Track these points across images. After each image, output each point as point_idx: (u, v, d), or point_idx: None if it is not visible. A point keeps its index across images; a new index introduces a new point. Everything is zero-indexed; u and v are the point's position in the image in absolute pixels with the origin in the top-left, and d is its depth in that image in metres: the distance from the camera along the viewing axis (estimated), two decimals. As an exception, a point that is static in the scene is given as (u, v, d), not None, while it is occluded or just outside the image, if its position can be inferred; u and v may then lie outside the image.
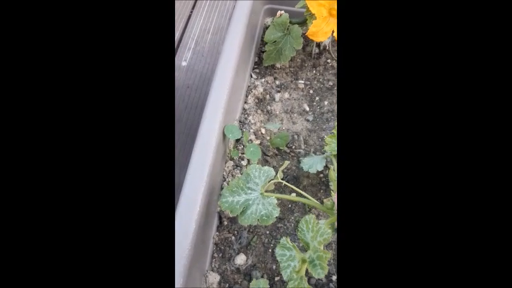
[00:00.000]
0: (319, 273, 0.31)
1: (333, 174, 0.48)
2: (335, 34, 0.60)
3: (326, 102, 0.71)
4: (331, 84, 0.74)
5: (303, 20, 0.64)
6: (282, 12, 0.66)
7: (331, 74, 0.76)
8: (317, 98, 0.72)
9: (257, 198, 0.41)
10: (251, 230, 0.54)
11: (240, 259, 0.51)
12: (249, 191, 0.43)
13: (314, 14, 0.59)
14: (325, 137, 0.52)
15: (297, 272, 0.31)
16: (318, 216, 0.56)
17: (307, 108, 0.70)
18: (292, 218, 0.56)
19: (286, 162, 0.53)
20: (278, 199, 0.44)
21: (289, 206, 0.58)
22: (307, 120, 0.68)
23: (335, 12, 0.60)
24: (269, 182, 0.52)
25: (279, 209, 0.40)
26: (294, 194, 0.57)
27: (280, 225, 0.55)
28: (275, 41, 0.67)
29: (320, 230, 0.33)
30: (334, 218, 0.38)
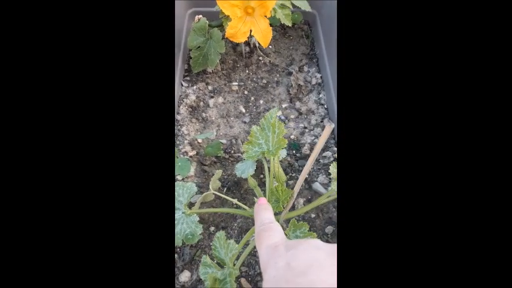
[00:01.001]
0: (228, 291, 0.31)
1: (252, 181, 0.48)
2: (254, 33, 0.60)
3: (261, 101, 0.71)
4: (265, 82, 0.74)
5: (220, 22, 0.63)
6: (200, 16, 0.64)
7: (264, 72, 0.75)
8: (252, 98, 0.71)
9: (181, 217, 0.40)
10: (194, 245, 0.53)
11: (185, 276, 0.50)
12: (175, 211, 0.41)
13: (228, 16, 0.58)
14: (242, 144, 0.51)
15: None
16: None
17: (244, 110, 0.69)
18: (235, 224, 0.56)
19: (219, 172, 0.52)
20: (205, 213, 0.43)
21: (232, 213, 0.57)
22: (244, 122, 0.68)
23: (251, 11, 0.60)
24: (202, 194, 0.51)
25: (201, 225, 0.39)
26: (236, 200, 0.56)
27: (225, 234, 0.55)
28: (199, 47, 0.66)
29: (229, 246, 0.33)
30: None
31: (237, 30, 0.59)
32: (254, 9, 0.59)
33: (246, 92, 0.72)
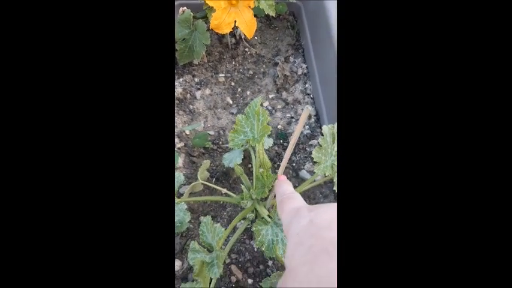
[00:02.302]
0: (215, 273, 0.32)
1: (238, 168, 0.49)
2: (238, 23, 0.60)
3: (248, 92, 0.71)
4: (252, 73, 0.74)
5: (205, 14, 0.63)
6: (185, 8, 0.64)
7: (251, 63, 0.76)
8: (239, 90, 0.72)
9: (169, 205, 0.41)
10: (184, 235, 0.54)
11: (176, 265, 0.51)
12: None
13: (213, 7, 0.58)
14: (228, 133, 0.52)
15: (197, 275, 0.32)
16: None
17: (231, 102, 0.70)
18: (225, 213, 0.57)
19: (206, 162, 0.53)
20: (194, 202, 0.44)
21: (221, 202, 0.58)
22: (232, 114, 0.68)
23: (235, 1, 0.60)
24: (192, 184, 0.52)
25: (189, 213, 0.40)
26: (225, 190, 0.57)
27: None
28: (184, 39, 0.66)
29: (216, 230, 0.34)
30: (245, 211, 0.39)
31: (221, 21, 0.60)
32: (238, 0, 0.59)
33: (232, 84, 0.72)
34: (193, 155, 0.62)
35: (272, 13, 0.60)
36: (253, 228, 0.37)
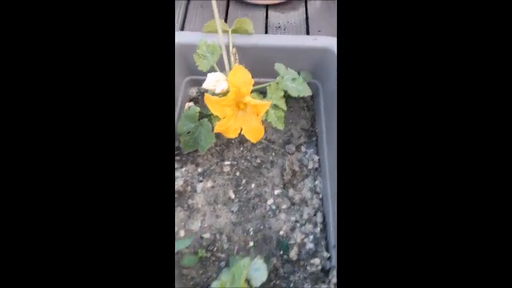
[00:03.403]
0: None
1: None
2: (244, 131, 0.56)
3: (253, 185, 0.67)
4: (259, 161, 0.70)
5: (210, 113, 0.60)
6: (191, 104, 0.61)
7: (260, 150, 0.71)
8: (244, 181, 0.68)
9: None
10: None
11: None
12: None
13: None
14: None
15: None
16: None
17: (233, 196, 0.66)
18: None
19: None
20: None
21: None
22: (232, 212, 0.64)
23: (244, 106, 0.56)
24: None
25: None
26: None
27: None
28: (189, 132, 0.63)
29: None
30: None
31: (227, 127, 0.56)
32: (246, 104, 0.55)
33: (237, 173, 0.68)
34: (184, 267, 0.58)
35: (280, 127, 0.56)
36: None
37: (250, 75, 0.53)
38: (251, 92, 0.55)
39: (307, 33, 0.91)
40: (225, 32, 0.66)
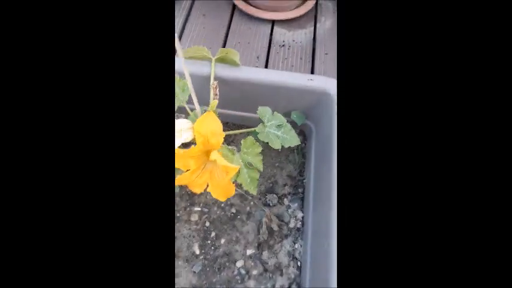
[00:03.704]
0: None
1: None
2: (210, 188, 0.47)
3: (223, 240, 0.58)
4: (234, 211, 0.61)
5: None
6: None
7: (237, 197, 0.62)
8: (213, 234, 0.59)
9: None
10: None
11: None
12: None
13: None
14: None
15: None
16: None
17: (198, 251, 0.57)
18: None
19: None
20: None
21: None
22: (194, 272, 0.55)
23: (215, 158, 0.47)
24: None
25: None
26: None
27: None
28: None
29: None
30: None
31: (190, 181, 0.47)
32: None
33: (207, 224, 0.59)
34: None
35: (253, 191, 0.46)
36: None
37: (220, 125, 0.44)
38: (223, 140, 0.46)
39: (313, 55, 0.82)
40: (207, 59, 0.57)
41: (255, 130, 0.50)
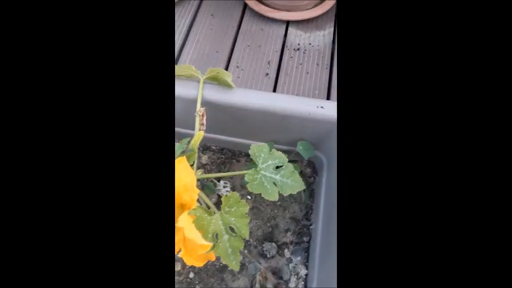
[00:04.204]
0: None
1: None
2: (182, 254, 0.37)
3: (208, 298, 0.48)
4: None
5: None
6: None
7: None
8: (197, 289, 0.49)
9: None
10: None
11: None
12: None
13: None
14: None
15: None
16: None
17: (177, 310, 0.48)
18: None
19: None
20: None
21: None
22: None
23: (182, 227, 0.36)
24: None
25: None
26: None
27: None
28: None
29: None
30: None
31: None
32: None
33: (191, 275, 0.50)
34: None
35: (235, 267, 0.35)
36: None
37: (194, 178, 0.34)
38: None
39: (331, 60, 0.69)
40: (195, 78, 0.47)
41: (246, 178, 0.39)
